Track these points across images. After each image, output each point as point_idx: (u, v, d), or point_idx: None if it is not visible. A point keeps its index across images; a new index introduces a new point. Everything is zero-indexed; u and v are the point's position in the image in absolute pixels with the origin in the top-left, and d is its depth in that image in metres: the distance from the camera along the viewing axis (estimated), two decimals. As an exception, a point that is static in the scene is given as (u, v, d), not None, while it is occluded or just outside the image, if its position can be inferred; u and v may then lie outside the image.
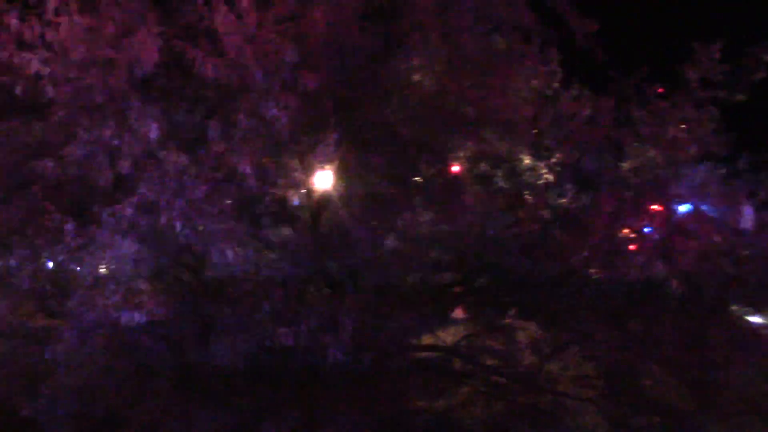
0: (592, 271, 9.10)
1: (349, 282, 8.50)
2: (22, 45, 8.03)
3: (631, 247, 9.36)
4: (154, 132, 8.14)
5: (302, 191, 8.75)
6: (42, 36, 8.05)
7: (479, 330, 9.16)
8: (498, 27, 9.40)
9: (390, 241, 8.88)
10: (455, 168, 9.59)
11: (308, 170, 8.70)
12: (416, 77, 9.19)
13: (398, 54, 9.12)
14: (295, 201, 8.71)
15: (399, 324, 8.45)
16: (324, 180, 8.78)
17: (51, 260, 8.25)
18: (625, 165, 9.64)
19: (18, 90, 8.15)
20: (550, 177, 9.68)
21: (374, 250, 8.67)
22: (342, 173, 8.79)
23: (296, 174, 8.65)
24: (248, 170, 8.26)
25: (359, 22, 8.81)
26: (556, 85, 9.90)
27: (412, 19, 9.06)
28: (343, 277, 8.53)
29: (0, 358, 8.02)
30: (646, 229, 9.36)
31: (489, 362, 9.15)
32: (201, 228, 8.05)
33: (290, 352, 7.98)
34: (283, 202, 8.67)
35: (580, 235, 9.19)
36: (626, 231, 9.36)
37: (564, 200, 9.61)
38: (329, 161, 8.64)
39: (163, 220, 7.99)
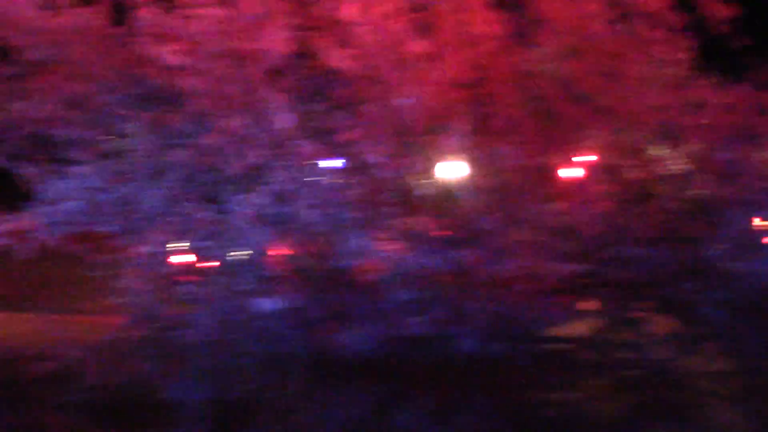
0: (729, 263, 9.06)
1: (478, 272, 8.66)
2: (160, 38, 8.47)
3: (769, 239, 9.31)
4: (284, 122, 8.50)
5: (431, 181, 8.96)
6: (178, 29, 8.48)
7: (610, 322, 9.21)
8: (628, 13, 9.45)
9: (518, 232, 9.00)
10: (584, 158, 9.66)
11: (437, 160, 8.93)
12: (544, 66, 9.32)
13: (527, 43, 9.27)
14: (424, 191, 8.93)
15: (528, 314, 8.60)
16: (453, 170, 9.00)
17: (186, 247, 8.71)
18: (763, 155, 9.55)
19: (155, 81, 8.64)
20: (683, 167, 9.66)
21: (502, 241, 8.81)
22: (471, 163, 8.99)
23: (425, 164, 8.89)
24: (377, 160, 8.57)
25: (487, 12, 8.99)
26: (688, 72, 9.86)
27: (540, 7, 9.21)
28: (472, 267, 8.70)
29: (140, 342, 8.45)
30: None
31: (620, 355, 9.20)
32: (331, 217, 8.37)
33: (421, 341, 8.22)
34: (411, 191, 8.90)
35: (714, 227, 9.17)
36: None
37: (697, 191, 9.58)
38: (458, 151, 8.86)
39: (293, 208, 8.36)
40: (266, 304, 8.09)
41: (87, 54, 8.77)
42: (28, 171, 8.96)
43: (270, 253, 8.38)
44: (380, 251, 8.47)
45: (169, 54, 8.42)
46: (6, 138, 8.98)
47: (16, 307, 14.66)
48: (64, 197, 8.89)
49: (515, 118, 9.05)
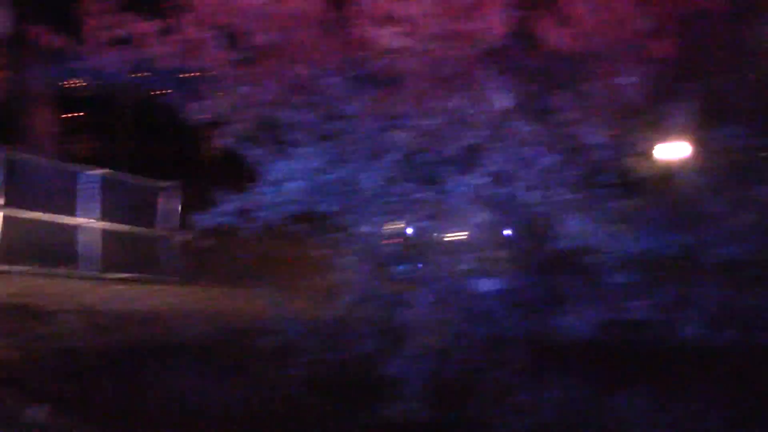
0: None
1: (704, 256, 8.47)
2: (380, 20, 8.71)
3: None
4: (502, 102, 8.58)
5: (652, 162, 8.82)
6: (397, 11, 8.70)
7: None
8: None
9: (747, 215, 8.73)
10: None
11: (659, 140, 8.79)
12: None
13: (753, 16, 8.95)
14: (644, 172, 8.81)
15: (759, 301, 8.34)
16: (675, 150, 8.82)
17: (405, 228, 8.96)
18: None
19: (374, 64, 8.91)
20: None
21: (729, 224, 8.57)
22: (695, 143, 8.78)
23: (646, 144, 8.76)
24: (596, 140, 8.51)
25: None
26: None
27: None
28: (698, 251, 8.51)
29: (360, 320, 8.76)
30: None
31: None
32: (549, 198, 8.39)
33: (643, 326, 8.13)
34: (631, 172, 8.79)
35: None
36: None
37: None
38: (681, 131, 8.68)
39: (511, 190, 8.43)
40: (484, 285, 8.20)
41: (309, 38, 9.14)
42: (253, 152, 9.46)
43: (488, 233, 8.48)
44: (600, 233, 8.41)
45: (388, 36, 8.63)
46: (234, 121, 9.51)
47: (241, 283, 15.51)
48: (287, 178, 9.31)
49: (742, 96, 8.77)
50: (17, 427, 8.04)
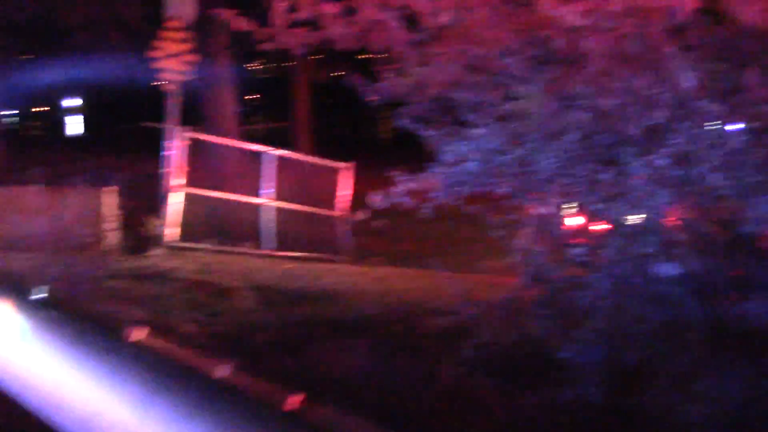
0: None
1: None
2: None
3: None
4: (688, 81, 8.41)
5: None
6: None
7: None
8: None
9: None
10: None
11: None
12: None
13: None
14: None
15: None
16: None
17: (585, 209, 8.93)
18: None
19: (555, 43, 8.91)
20: None
21: None
22: None
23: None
24: (788, 119, 8.24)
25: None
26: None
27: None
28: None
29: (534, 302, 8.82)
30: None
31: None
32: (737, 180, 8.18)
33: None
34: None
35: None
36: None
37: None
38: None
39: (697, 171, 8.27)
40: (664, 269, 8.09)
41: (489, 17, 9.22)
42: (429, 133, 9.62)
43: (669, 216, 8.36)
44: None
45: (570, 14, 8.60)
46: (411, 101, 9.70)
47: (416, 263, 15.81)
48: (463, 159, 9.43)
49: None
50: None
